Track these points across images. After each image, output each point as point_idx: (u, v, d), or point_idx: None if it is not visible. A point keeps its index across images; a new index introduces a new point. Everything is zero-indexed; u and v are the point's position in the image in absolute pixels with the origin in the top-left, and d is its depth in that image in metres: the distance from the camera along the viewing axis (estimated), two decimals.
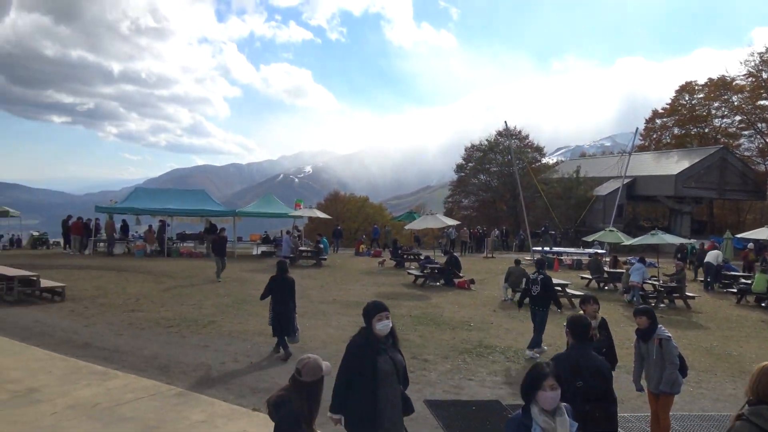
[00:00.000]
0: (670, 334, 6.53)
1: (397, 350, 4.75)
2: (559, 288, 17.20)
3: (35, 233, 34.72)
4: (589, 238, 26.56)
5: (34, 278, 15.40)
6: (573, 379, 4.71)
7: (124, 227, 30.20)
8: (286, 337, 10.33)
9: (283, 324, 10.30)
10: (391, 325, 4.64)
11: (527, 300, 11.31)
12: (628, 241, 22.99)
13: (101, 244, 29.01)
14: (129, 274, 20.61)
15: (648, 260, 24.22)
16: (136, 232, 32.00)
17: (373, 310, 4.68)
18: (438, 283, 20.70)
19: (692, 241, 27.97)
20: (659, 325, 6.51)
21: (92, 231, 28.51)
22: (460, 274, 20.86)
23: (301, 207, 33.72)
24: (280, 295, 10.43)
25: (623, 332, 12.70)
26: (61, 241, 30.81)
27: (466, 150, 55.47)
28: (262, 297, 10.75)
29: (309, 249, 27.97)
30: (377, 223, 44.27)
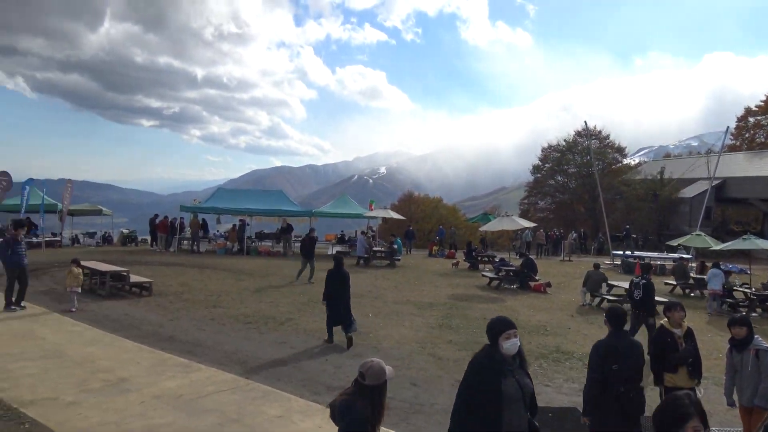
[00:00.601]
0: None
1: (525, 373, 4.23)
2: None
3: (125, 231, 36.69)
4: (674, 243, 25.39)
5: (125, 274, 16.26)
6: (610, 361, 5.46)
7: (204, 226, 31.44)
8: (342, 326, 10.93)
9: (340, 314, 10.96)
10: (519, 344, 4.13)
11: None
12: (717, 246, 21.77)
13: (185, 242, 30.29)
14: (211, 271, 21.41)
15: (739, 266, 22.88)
16: (218, 230, 33.23)
17: (500, 326, 4.13)
18: (513, 286, 20.35)
19: None
20: (756, 336, 6.14)
21: (177, 229, 29.82)
22: (536, 277, 20.43)
23: (373, 208, 33.95)
24: (336, 287, 11.07)
25: (710, 342, 12.08)
26: (149, 238, 32.38)
27: (542, 151, 54.24)
28: (324, 297, 11.23)
29: (383, 249, 28.18)
30: (443, 224, 44.06)
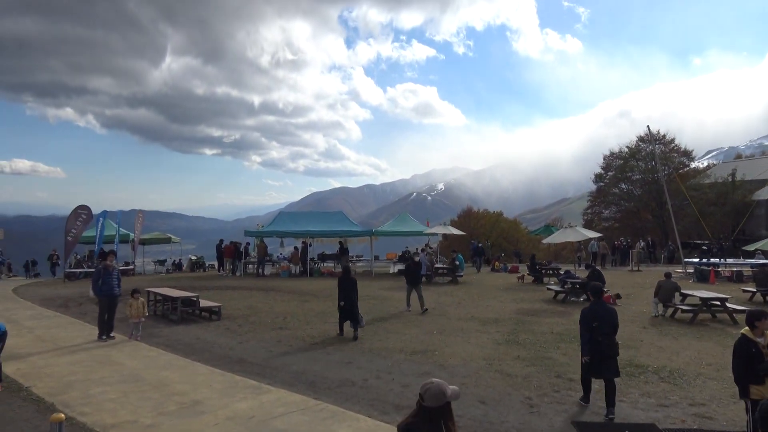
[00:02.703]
0: None
1: None
2: (718, 302, 15.82)
3: (193, 257, 37.91)
4: (751, 248, 24.19)
5: (195, 299, 16.79)
6: (593, 320, 8.09)
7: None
8: (350, 322, 13.39)
9: (348, 312, 13.41)
10: None
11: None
12: None
13: (251, 266, 31.01)
14: (276, 293, 21.82)
15: None
16: (281, 253, 33.90)
17: None
18: (580, 299, 19.82)
19: None
20: None
21: (242, 254, 30.60)
22: (605, 289, 19.84)
23: (430, 224, 33.80)
24: (346, 291, 13.53)
25: None
26: (216, 263, 33.33)
27: (604, 158, 52.84)
28: (339, 300, 13.57)
29: (445, 266, 27.99)
30: (475, 237, 42.57)
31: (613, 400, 7.88)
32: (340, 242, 30.87)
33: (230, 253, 30.63)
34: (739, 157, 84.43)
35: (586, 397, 8.44)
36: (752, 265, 24.90)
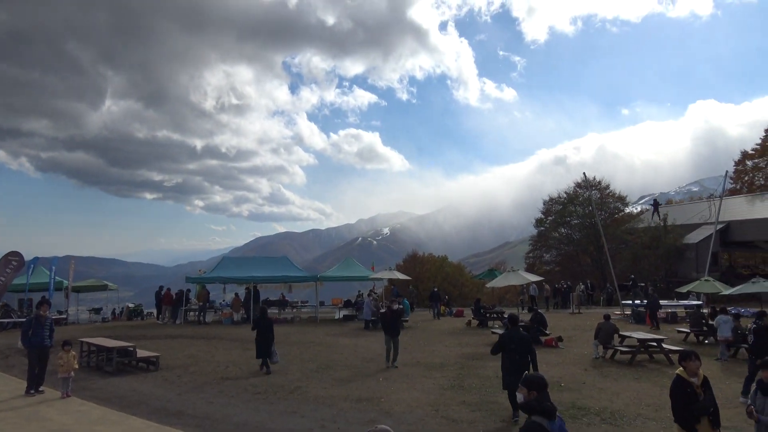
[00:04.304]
0: None
1: None
2: (654, 343, 16.31)
3: (131, 305, 36.53)
4: (683, 289, 25.19)
5: (131, 349, 16.11)
6: (510, 343, 10.05)
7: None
8: (267, 359, 15.13)
9: (265, 350, 15.17)
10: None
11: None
12: (727, 291, 21.60)
13: (191, 313, 30.10)
14: (218, 341, 21.20)
15: (751, 310, 22.65)
16: (223, 300, 33.08)
17: None
18: None
19: None
20: None
21: (183, 301, 29.69)
22: (547, 332, 20.17)
23: (374, 269, 33.69)
24: (263, 330, 15.31)
25: (727, 390, 11.82)
26: (155, 311, 32.21)
27: (544, 203, 54.53)
28: (253, 328, 15.83)
29: None
30: (437, 283, 42.39)
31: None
32: (247, 288, 29.78)
33: (169, 300, 29.71)
34: (669, 202, 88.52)
35: (515, 412, 9.89)
36: (686, 307, 25.87)
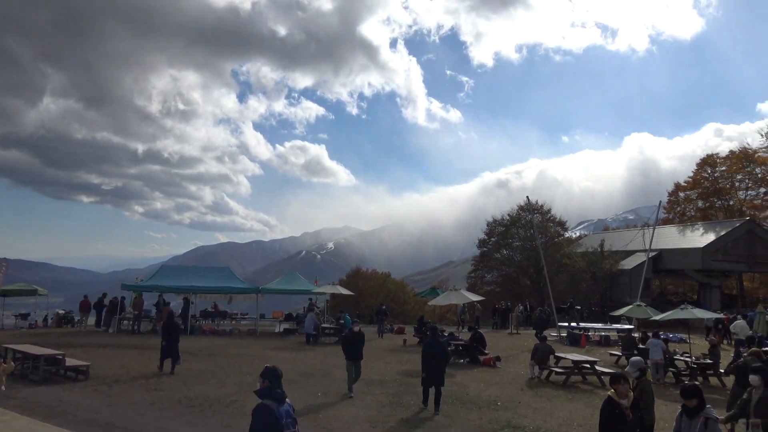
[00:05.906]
0: (717, 416, 6.39)
1: None
2: (588, 365, 16.78)
3: (61, 311, 35.02)
4: (616, 313, 26.04)
5: (60, 357, 15.45)
6: (432, 350, 12.41)
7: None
8: (171, 360, 16.10)
9: (173, 352, 16.16)
10: None
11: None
12: (657, 316, 22.44)
13: (125, 322, 29.13)
14: (151, 352, 20.51)
15: (679, 335, 23.61)
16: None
17: None
18: (462, 361, 20.30)
19: (720, 315, 27.14)
20: (708, 405, 6.39)
21: (117, 309, 28.69)
22: (486, 351, 20.47)
23: (317, 284, 33.45)
24: (169, 334, 16.32)
25: (656, 412, 12.24)
26: (84, 318, 30.95)
27: (488, 225, 55.48)
28: (162, 338, 16.67)
29: (331, 326, 27.74)
30: (384, 303, 40.93)
31: (439, 403, 12.16)
32: (185, 298, 28.75)
33: (86, 308, 28.88)
34: (606, 229, 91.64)
35: (425, 401, 12.43)
36: (618, 330, 26.71)
